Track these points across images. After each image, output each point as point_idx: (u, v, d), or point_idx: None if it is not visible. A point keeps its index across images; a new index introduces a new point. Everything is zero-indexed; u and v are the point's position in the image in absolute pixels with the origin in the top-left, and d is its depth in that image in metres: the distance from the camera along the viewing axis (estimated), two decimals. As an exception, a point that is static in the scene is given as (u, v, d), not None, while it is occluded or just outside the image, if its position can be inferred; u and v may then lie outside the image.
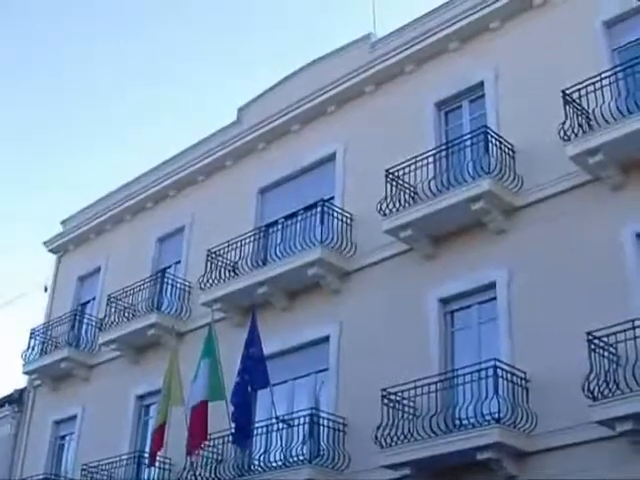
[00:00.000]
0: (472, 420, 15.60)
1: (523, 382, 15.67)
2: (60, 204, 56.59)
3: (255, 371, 18.20)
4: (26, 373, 28.16)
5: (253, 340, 18.54)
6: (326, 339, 19.68)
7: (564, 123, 16.17)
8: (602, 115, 15.89)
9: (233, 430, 18.43)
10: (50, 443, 27.23)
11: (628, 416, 13.62)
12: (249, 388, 18.38)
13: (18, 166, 65.51)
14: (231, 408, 18.33)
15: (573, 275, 15.96)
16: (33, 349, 27.80)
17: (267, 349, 18.95)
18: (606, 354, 14.32)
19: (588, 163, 15.82)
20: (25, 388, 29.10)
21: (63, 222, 30.85)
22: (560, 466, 14.82)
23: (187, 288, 23.76)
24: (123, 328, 24.28)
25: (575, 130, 16.05)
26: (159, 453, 20.29)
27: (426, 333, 17.73)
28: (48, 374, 27.40)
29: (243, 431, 18.21)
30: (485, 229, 17.47)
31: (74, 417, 26.54)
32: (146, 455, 22.06)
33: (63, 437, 27.25)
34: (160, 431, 19.93)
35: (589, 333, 14.38)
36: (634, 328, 14.07)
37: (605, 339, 14.34)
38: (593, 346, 14.35)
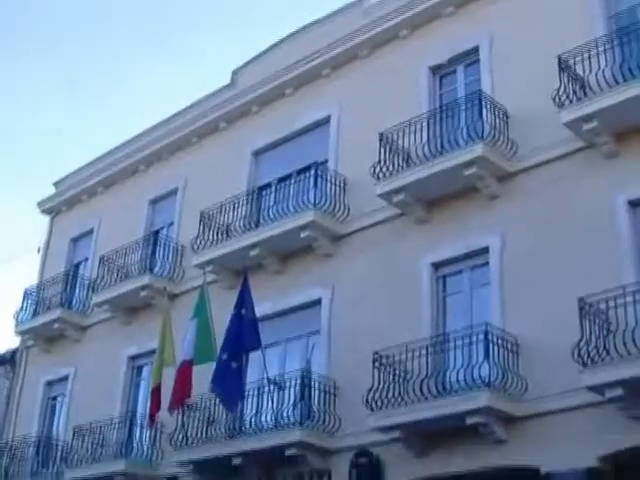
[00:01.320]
0: (462, 384, 15.64)
1: (514, 347, 15.74)
2: (54, 166, 56.49)
3: (247, 333, 18.26)
4: (19, 334, 28.20)
5: (244, 302, 18.57)
6: (318, 302, 19.74)
7: (559, 89, 16.14)
8: (597, 82, 15.86)
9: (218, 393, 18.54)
10: (42, 404, 27.30)
11: (618, 382, 13.68)
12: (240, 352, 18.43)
13: (10, 126, 65.25)
14: (222, 368, 18.41)
15: (565, 241, 15.99)
16: (26, 310, 27.80)
17: (259, 311, 19.02)
18: (597, 320, 14.36)
19: (582, 130, 15.81)
20: (17, 349, 29.14)
21: (56, 183, 30.78)
22: (549, 431, 14.92)
23: (180, 250, 23.78)
24: (115, 289, 24.31)
25: (570, 96, 16.02)
26: (156, 415, 20.41)
27: (418, 297, 17.78)
28: (40, 335, 27.44)
29: (233, 394, 18.26)
30: (478, 194, 17.48)
31: (66, 378, 26.60)
32: (138, 416, 22.21)
33: (55, 398, 27.31)
34: (156, 393, 20.05)
35: (580, 299, 14.41)
36: (625, 295, 14.12)
37: (596, 305, 14.38)
38: (584, 312, 14.38)
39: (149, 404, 20.69)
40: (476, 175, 17.05)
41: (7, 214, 62.82)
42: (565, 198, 16.34)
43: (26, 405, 27.69)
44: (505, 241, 16.89)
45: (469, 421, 15.27)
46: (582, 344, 14.18)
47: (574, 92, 16.04)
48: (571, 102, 15.94)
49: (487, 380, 15.25)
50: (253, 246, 20.55)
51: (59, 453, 24.76)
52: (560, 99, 16.07)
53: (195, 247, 22.03)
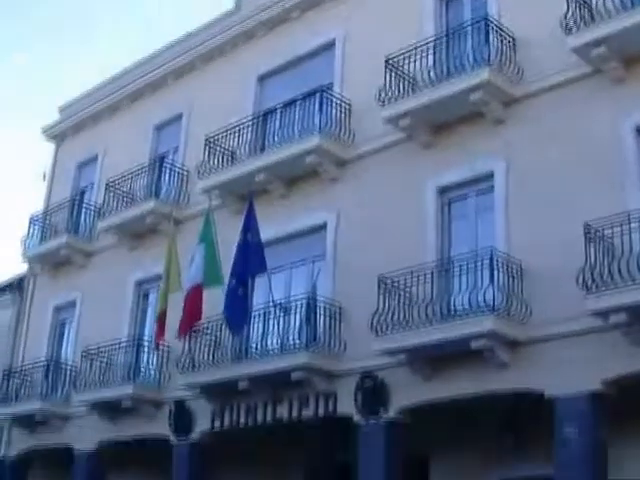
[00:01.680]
0: (467, 309, 15.74)
1: (518, 272, 15.77)
2: (59, 92, 56.20)
3: (252, 257, 18.33)
4: (26, 260, 28.39)
5: (250, 226, 18.63)
6: (323, 226, 19.79)
7: (566, 14, 15.95)
8: (605, 7, 15.67)
9: (225, 317, 18.69)
10: (50, 329, 27.57)
11: (622, 307, 13.75)
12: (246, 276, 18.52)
13: (14, 50, 64.80)
14: (229, 293, 18.55)
15: (571, 167, 15.94)
16: (32, 236, 27.94)
17: (264, 236, 19.07)
18: (602, 246, 14.37)
19: (590, 55, 15.67)
20: (25, 275, 29.35)
21: (61, 109, 30.68)
22: (553, 356, 15.03)
23: (185, 175, 23.77)
24: (121, 215, 24.39)
25: (577, 21, 15.84)
26: (161, 340, 20.65)
27: (423, 222, 17.80)
28: (47, 261, 27.63)
29: (239, 318, 18.40)
30: (484, 119, 17.39)
31: (73, 303, 26.83)
32: (145, 340, 22.39)
33: (63, 323, 27.57)
34: (162, 318, 20.22)
35: (586, 224, 14.43)
36: (630, 221, 14.13)
37: (601, 231, 14.39)
38: (589, 237, 14.40)
39: (154, 330, 20.94)
40: (482, 100, 16.94)
41: (12, 141, 62.80)
42: (571, 124, 16.25)
43: (34, 330, 27.97)
44: (510, 166, 16.85)
45: (474, 345, 15.39)
46: (587, 269, 14.23)
47: (582, 17, 15.84)
48: (579, 27, 15.77)
49: (492, 305, 15.31)
50: (258, 171, 20.53)
51: (68, 377, 25.06)
52: (568, 24, 15.90)
53: (200, 172, 22.01)
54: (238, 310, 18.30)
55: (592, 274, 14.17)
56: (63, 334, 27.45)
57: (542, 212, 16.08)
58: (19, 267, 29.35)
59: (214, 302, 19.17)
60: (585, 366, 14.57)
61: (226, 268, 18.91)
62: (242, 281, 18.31)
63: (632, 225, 14.12)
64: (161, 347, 21.42)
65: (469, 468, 17.43)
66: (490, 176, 17.15)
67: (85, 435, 23.83)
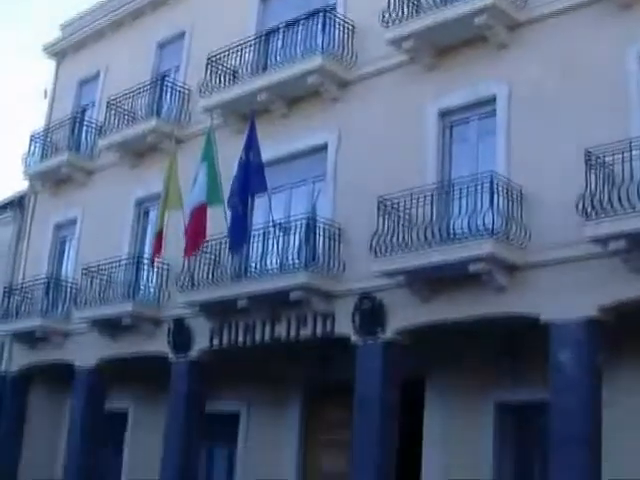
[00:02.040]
0: (466, 232, 15.76)
1: (518, 196, 15.75)
2: (60, 9, 55.55)
3: (253, 177, 18.32)
4: (27, 178, 28.39)
5: (251, 146, 18.57)
6: (324, 147, 19.72)
7: None
8: None
9: (228, 236, 18.74)
10: (51, 246, 27.72)
11: (621, 235, 13.75)
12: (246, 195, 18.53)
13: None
14: (228, 213, 18.60)
15: (574, 93, 15.83)
16: (33, 154, 27.92)
17: (265, 155, 18.97)
18: (603, 172, 14.33)
19: (598, -21, 15.52)
20: (26, 193, 29.37)
21: (62, 26, 30.40)
22: (551, 281, 15.10)
23: (187, 94, 23.64)
24: (122, 133, 24.32)
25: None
26: (158, 256, 20.77)
27: (424, 144, 17.74)
28: (48, 178, 27.65)
29: (238, 237, 18.45)
30: (487, 43, 17.22)
31: (74, 221, 26.92)
32: (145, 258, 22.50)
33: (64, 240, 27.69)
34: (160, 236, 20.31)
35: (587, 151, 14.38)
36: (631, 150, 14.04)
37: (602, 157, 14.34)
38: (590, 164, 14.34)
39: (152, 246, 21.04)
40: (486, 24, 16.76)
41: (14, 59, 62.34)
42: (575, 49, 16.10)
43: (35, 248, 28.12)
44: (513, 91, 16.73)
45: (472, 268, 15.43)
46: (586, 196, 14.20)
47: None
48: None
49: (491, 228, 15.32)
50: (260, 90, 20.42)
51: (68, 294, 25.23)
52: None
53: (202, 91, 21.90)
54: (238, 229, 18.33)
55: (592, 201, 14.13)
56: (64, 252, 27.59)
57: (544, 137, 16.01)
58: (20, 185, 29.33)
59: (213, 221, 19.22)
60: (582, 292, 14.61)
61: (227, 187, 18.93)
62: (242, 200, 18.32)
63: (633, 152, 14.03)
64: (159, 264, 21.59)
65: (465, 390, 17.65)
66: (492, 100, 17.03)
67: (85, 352, 24.06)
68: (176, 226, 20.16)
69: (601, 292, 14.47)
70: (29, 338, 25.84)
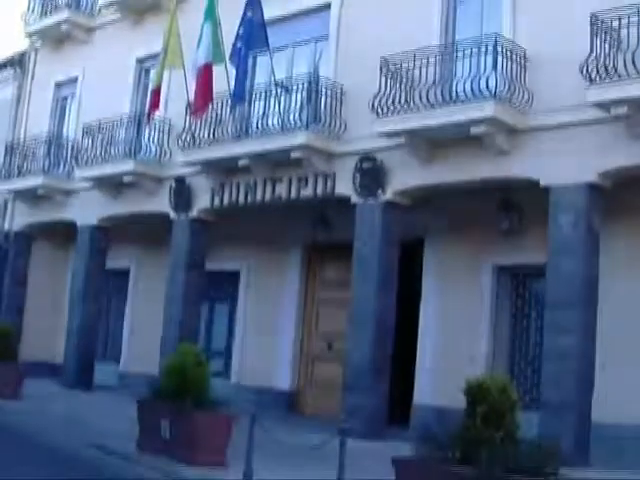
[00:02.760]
0: (469, 94, 15.64)
1: (522, 59, 15.59)
2: None
3: (254, 35, 18.10)
4: (27, 35, 28.08)
5: (252, 3, 18.34)
6: (327, 6, 19.46)
7: None
8: None
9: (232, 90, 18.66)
10: (52, 105, 27.61)
11: (624, 100, 13.65)
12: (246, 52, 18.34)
13: None
14: (231, 69, 18.49)
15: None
16: (33, 11, 27.56)
17: (268, 14, 18.71)
18: (608, 37, 14.11)
19: None
20: (26, 51, 29.07)
21: None
22: (552, 145, 15.06)
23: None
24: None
25: None
26: (157, 114, 20.71)
27: (429, 4, 17.48)
28: (49, 36, 27.42)
29: (240, 91, 18.36)
30: None
31: (75, 79, 26.76)
32: (146, 117, 22.39)
33: (65, 98, 27.58)
34: (157, 92, 20.22)
35: (593, 15, 14.13)
36: (638, 15, 13.73)
37: (608, 22, 14.11)
38: (596, 28, 14.12)
39: (148, 102, 21.01)
40: None
41: None
42: None
43: (36, 106, 28.03)
44: (520, -49, 16.37)
45: (473, 130, 15.42)
46: (591, 60, 14.02)
47: None
48: None
49: (493, 91, 15.23)
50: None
51: (69, 153, 25.24)
52: None
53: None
54: (239, 83, 18.22)
55: (596, 65, 13.97)
56: (65, 110, 27.48)
57: (550, 0, 15.77)
58: (20, 44, 28.98)
59: (215, 80, 19.08)
60: (583, 157, 14.62)
61: (228, 45, 18.76)
62: (243, 56, 18.16)
63: (640, 18, 13.84)
64: (161, 123, 21.60)
65: (463, 252, 17.86)
66: (499, -39, 16.72)
67: (87, 210, 24.28)
68: (177, 85, 20.07)
69: (602, 157, 14.47)
70: (31, 197, 26.02)
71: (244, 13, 18.38)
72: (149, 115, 20.86)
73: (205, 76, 18.82)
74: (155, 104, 20.30)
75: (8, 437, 14.53)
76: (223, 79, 18.85)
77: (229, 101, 19.23)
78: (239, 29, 18.42)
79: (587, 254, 14.62)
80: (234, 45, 18.28)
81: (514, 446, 8.02)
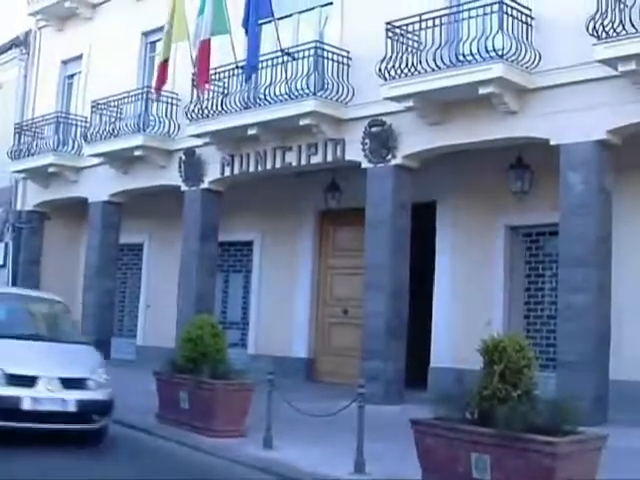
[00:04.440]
0: (476, 55, 15.53)
1: (528, 19, 15.48)
2: None
3: (259, 3, 18.03)
4: (31, 15, 28.07)
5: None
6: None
7: None
8: None
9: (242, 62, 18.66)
10: (59, 83, 27.63)
11: (631, 56, 13.54)
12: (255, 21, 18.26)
13: None
14: (243, 39, 18.50)
15: None
16: (37, -7, 27.53)
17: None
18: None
19: None
20: (30, 30, 29.04)
21: None
22: (561, 104, 14.97)
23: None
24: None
25: None
26: (164, 88, 20.70)
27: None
28: (53, 14, 27.45)
29: (252, 61, 18.33)
30: None
31: (81, 56, 26.78)
32: (154, 91, 22.38)
33: (71, 76, 27.60)
34: (164, 66, 20.20)
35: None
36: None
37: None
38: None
39: (155, 77, 20.99)
40: None
41: None
42: None
43: (43, 85, 28.06)
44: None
45: (482, 91, 15.34)
46: (597, 17, 13.87)
47: None
48: None
49: (501, 51, 15.15)
50: None
51: (78, 130, 25.25)
52: None
53: None
54: (252, 53, 18.18)
55: (602, 22, 13.82)
56: (72, 88, 27.48)
57: None
58: (24, 22, 28.91)
59: (221, 51, 19.09)
60: (592, 114, 14.55)
61: (233, 16, 18.81)
62: (252, 26, 18.08)
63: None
64: (166, 95, 21.56)
65: (476, 214, 17.92)
66: None
67: (98, 186, 24.35)
68: (183, 58, 20.03)
69: (611, 115, 14.40)
70: (42, 175, 26.10)
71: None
72: (158, 90, 20.82)
73: (205, 50, 18.80)
74: (163, 78, 20.26)
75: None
76: (229, 50, 18.82)
77: (235, 71, 19.21)
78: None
79: (599, 212, 14.57)
80: (245, 14, 18.17)
81: (532, 404, 8.03)
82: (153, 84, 21.40)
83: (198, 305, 20.45)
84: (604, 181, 14.69)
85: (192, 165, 21.29)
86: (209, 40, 18.96)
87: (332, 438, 12.08)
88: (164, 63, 20.24)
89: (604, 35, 13.83)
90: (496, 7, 15.32)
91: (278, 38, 18.46)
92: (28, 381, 11.06)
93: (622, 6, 13.81)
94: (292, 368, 20.24)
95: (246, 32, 18.26)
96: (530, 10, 15.51)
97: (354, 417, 10.36)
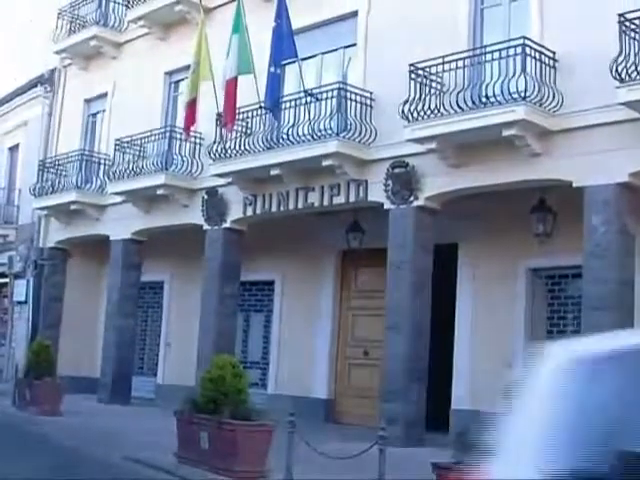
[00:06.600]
0: (499, 97, 15.58)
1: (551, 61, 15.54)
2: None
3: (283, 44, 18.15)
4: (56, 53, 28.32)
5: (281, 13, 18.38)
6: (354, 14, 19.46)
7: None
8: None
9: (265, 101, 18.76)
10: (83, 121, 27.86)
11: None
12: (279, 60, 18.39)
13: None
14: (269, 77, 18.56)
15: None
16: (61, 29, 27.78)
17: (296, 23, 18.71)
18: (637, 36, 14.00)
19: None
20: (55, 68, 29.33)
21: None
22: (584, 146, 14.95)
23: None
24: (150, 5, 24.21)
25: None
26: (192, 127, 20.83)
27: (456, 9, 17.45)
28: (78, 53, 27.69)
29: (275, 101, 18.44)
30: None
31: (105, 95, 26.98)
32: (177, 129, 22.51)
33: (95, 114, 27.80)
34: (192, 106, 20.33)
35: (621, 15, 14.05)
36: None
37: (637, 21, 14.04)
38: (624, 28, 14.02)
39: (184, 117, 21.09)
40: None
41: None
42: None
43: (67, 123, 28.30)
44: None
45: (505, 133, 15.34)
46: (620, 60, 13.93)
47: None
48: None
49: (523, 93, 15.19)
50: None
51: (101, 168, 25.43)
52: None
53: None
54: (275, 94, 18.30)
55: (626, 65, 13.88)
56: (95, 126, 27.70)
57: (578, 1, 15.68)
58: (49, 61, 29.22)
59: (244, 91, 19.21)
60: (615, 157, 14.51)
61: (257, 55, 18.95)
62: (274, 65, 18.22)
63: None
64: (192, 135, 21.59)
65: (497, 255, 17.85)
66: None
67: (120, 225, 24.43)
68: (207, 97, 20.15)
69: (633, 157, 14.36)
70: (65, 213, 26.24)
71: (275, 22, 18.38)
72: (187, 130, 20.93)
73: (231, 90, 18.93)
74: (192, 119, 20.38)
75: (52, 451, 14.66)
76: (252, 90, 18.94)
77: (258, 111, 19.30)
78: (272, 38, 18.47)
79: (621, 254, 14.50)
80: (271, 54, 18.31)
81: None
82: (181, 124, 21.55)
83: (218, 344, 20.39)
84: (627, 224, 14.63)
85: (214, 204, 21.35)
86: (235, 79, 19.12)
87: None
88: (192, 103, 20.35)
89: (627, 78, 13.85)
90: (519, 49, 15.37)
91: (302, 78, 18.58)
92: None
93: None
94: (311, 408, 20.14)
95: (271, 70, 18.37)
96: (553, 52, 15.54)
97: (374, 459, 10.30)
